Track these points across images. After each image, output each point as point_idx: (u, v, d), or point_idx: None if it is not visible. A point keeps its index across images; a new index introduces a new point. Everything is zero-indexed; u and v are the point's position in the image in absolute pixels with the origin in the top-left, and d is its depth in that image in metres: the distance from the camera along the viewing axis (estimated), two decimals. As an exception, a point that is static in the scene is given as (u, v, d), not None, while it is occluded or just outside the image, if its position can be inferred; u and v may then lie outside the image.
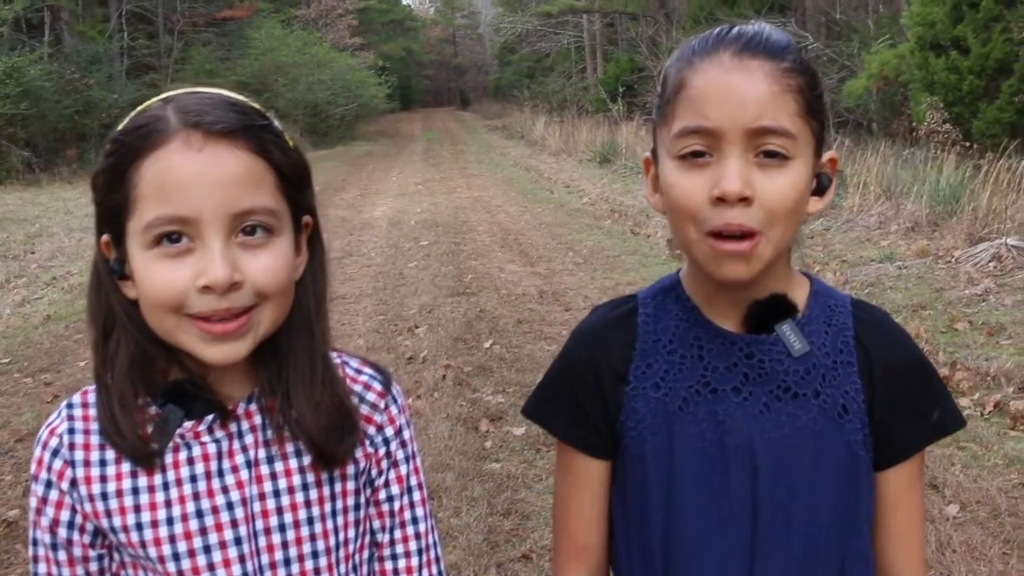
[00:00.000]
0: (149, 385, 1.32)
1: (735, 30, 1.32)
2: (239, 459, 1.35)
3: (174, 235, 1.21)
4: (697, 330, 1.43)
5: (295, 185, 1.32)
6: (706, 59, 1.30)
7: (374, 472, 1.45)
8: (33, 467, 1.36)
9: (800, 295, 1.43)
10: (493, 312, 8.39)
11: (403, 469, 1.48)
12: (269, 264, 1.25)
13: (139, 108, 1.29)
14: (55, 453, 1.33)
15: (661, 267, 9.97)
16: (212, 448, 1.34)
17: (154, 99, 1.29)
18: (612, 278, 9.53)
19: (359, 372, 1.47)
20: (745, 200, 1.25)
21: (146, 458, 1.31)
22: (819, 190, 1.37)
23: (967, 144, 12.63)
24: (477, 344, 7.40)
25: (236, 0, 39.49)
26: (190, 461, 1.33)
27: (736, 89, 1.26)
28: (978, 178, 10.95)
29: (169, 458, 1.32)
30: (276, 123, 1.32)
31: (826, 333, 1.41)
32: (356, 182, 21.58)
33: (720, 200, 1.25)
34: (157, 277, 1.22)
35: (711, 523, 1.38)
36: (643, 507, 1.42)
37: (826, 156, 1.37)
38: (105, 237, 1.30)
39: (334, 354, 1.44)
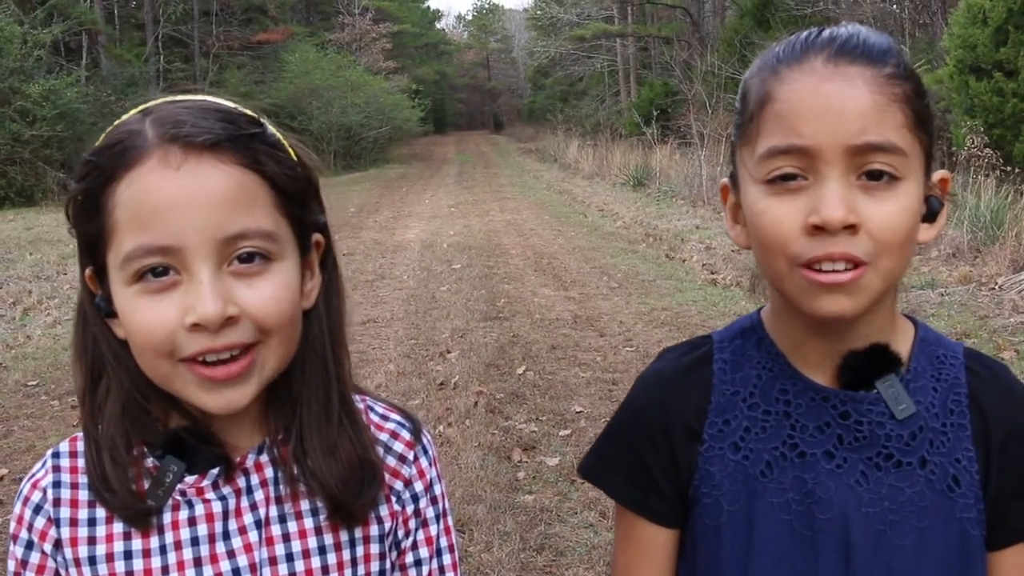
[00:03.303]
0: (145, 433, 1.15)
1: (826, 33, 1.14)
2: (247, 519, 1.18)
3: (158, 268, 1.05)
4: (783, 382, 1.23)
5: (297, 201, 1.14)
6: (795, 67, 1.12)
7: (400, 533, 1.27)
8: (12, 525, 1.19)
9: (904, 344, 1.23)
10: (526, 337, 8.25)
11: (433, 529, 1.30)
12: (269, 294, 1.08)
13: (116, 122, 1.12)
14: (37, 510, 1.17)
15: (697, 291, 9.85)
16: (217, 507, 1.17)
17: (132, 111, 1.12)
18: (647, 303, 9.37)
19: (385, 419, 1.30)
20: (850, 228, 1.06)
21: (140, 517, 1.14)
22: (930, 215, 1.17)
23: (1007, 168, 12.41)
24: (510, 370, 7.26)
25: (271, 24, 39.97)
26: (191, 522, 1.16)
27: (834, 100, 1.07)
28: (1020, 203, 10.75)
29: (168, 518, 1.15)
30: (272, 130, 1.14)
31: (935, 390, 1.21)
32: (389, 204, 21.58)
33: (819, 229, 1.07)
34: (140, 317, 1.06)
35: None
36: None
37: (936, 176, 1.18)
38: (89, 271, 1.14)
39: (357, 397, 1.27)
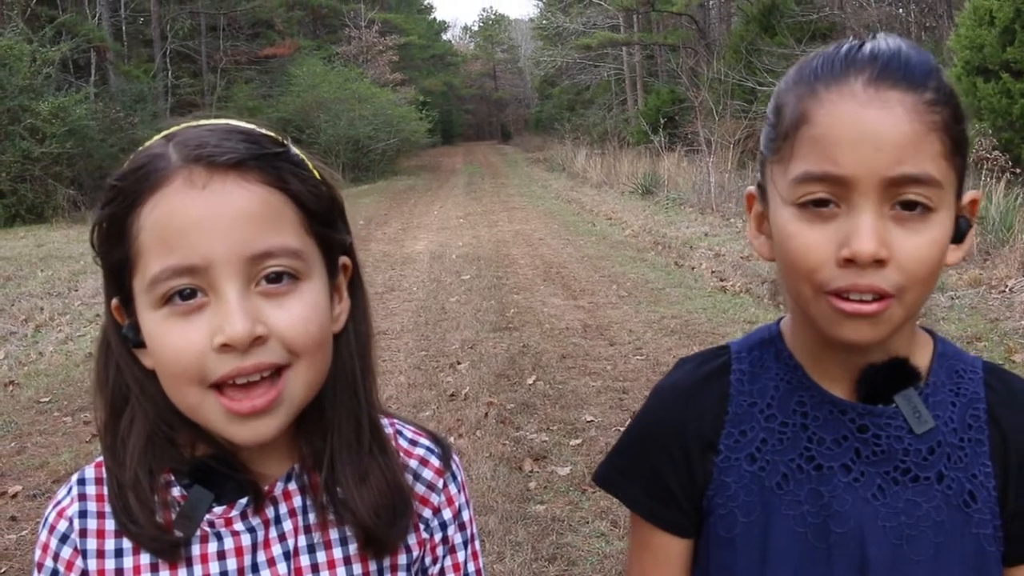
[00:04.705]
0: (171, 462, 1.13)
1: (868, 49, 1.10)
2: (276, 550, 1.16)
3: (185, 291, 1.04)
4: (800, 394, 1.22)
5: (323, 221, 1.12)
6: (833, 88, 1.09)
7: (428, 560, 1.26)
8: (37, 553, 1.17)
9: (923, 358, 1.22)
10: (536, 347, 8.24)
11: (460, 556, 1.29)
12: (298, 313, 1.06)
13: (140, 148, 1.11)
14: (64, 539, 1.14)
15: (707, 299, 9.84)
16: (246, 540, 1.15)
17: (156, 137, 1.11)
18: (657, 311, 9.37)
19: (414, 444, 1.28)
20: (879, 262, 1.05)
21: (169, 549, 1.12)
22: (957, 236, 1.15)
23: (1016, 171, 12.38)
24: (520, 380, 7.26)
25: (278, 38, 40.12)
26: (221, 556, 1.14)
27: (872, 129, 1.05)
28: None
29: (196, 550, 1.13)
30: (295, 150, 1.14)
31: (953, 405, 1.20)
32: (398, 216, 21.60)
33: (849, 262, 1.05)
34: (169, 341, 1.04)
35: None
36: None
37: (967, 197, 1.15)
38: (115, 301, 1.13)
39: (385, 421, 1.26)
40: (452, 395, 6.96)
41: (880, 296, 1.07)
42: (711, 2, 35.38)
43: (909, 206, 1.06)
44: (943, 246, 1.09)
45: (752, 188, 1.24)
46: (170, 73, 34.17)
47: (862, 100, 1.07)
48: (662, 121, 25.88)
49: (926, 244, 1.07)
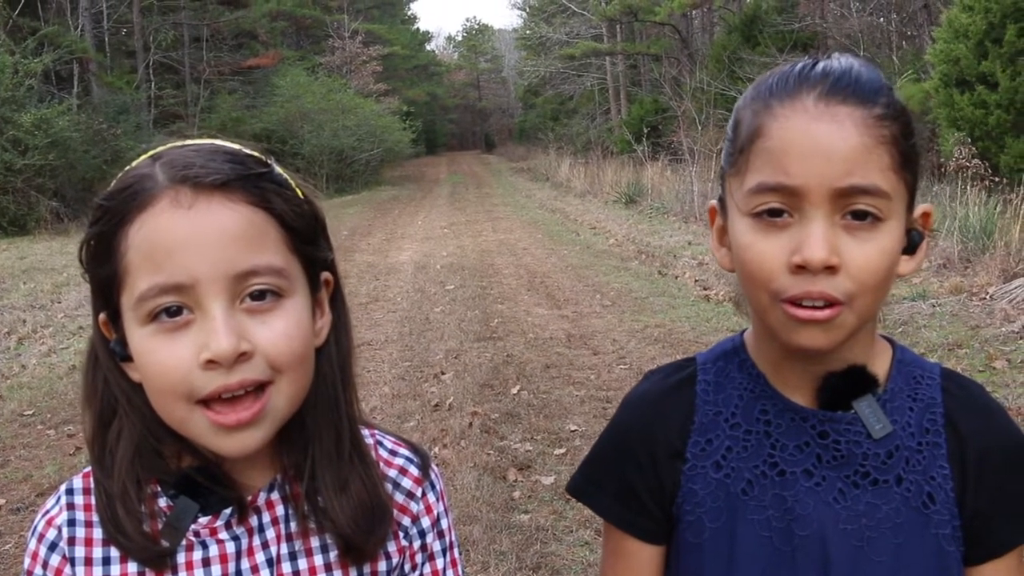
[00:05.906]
0: (158, 472, 1.16)
1: (820, 67, 1.15)
2: (259, 557, 1.19)
3: (172, 308, 1.07)
4: (763, 402, 1.27)
5: (306, 239, 1.16)
6: (787, 103, 1.14)
7: (407, 567, 1.29)
8: (27, 561, 1.20)
9: (881, 365, 1.26)
10: (520, 357, 8.27)
11: (439, 563, 1.32)
12: (281, 331, 1.09)
13: (126, 168, 1.14)
14: (52, 547, 1.17)
15: (690, 308, 9.87)
16: (231, 547, 1.18)
17: (142, 156, 1.14)
18: (641, 320, 9.41)
19: (394, 454, 1.32)
20: (830, 269, 1.09)
21: (156, 559, 1.15)
22: (910, 248, 1.19)
23: (995, 179, 12.48)
24: (504, 390, 7.28)
25: (261, 49, 40.06)
26: (206, 563, 1.17)
27: (822, 141, 1.10)
28: (1008, 213, 10.80)
29: (182, 558, 1.16)
30: (279, 170, 1.17)
31: (911, 410, 1.24)
32: (382, 227, 21.59)
33: (801, 268, 1.10)
34: (156, 357, 1.07)
35: None
36: None
37: (919, 210, 1.21)
38: (102, 316, 1.16)
39: (366, 432, 1.29)
40: (436, 405, 6.97)
41: (831, 303, 1.11)
42: (694, 12, 35.50)
43: (859, 216, 1.11)
44: (893, 255, 1.14)
45: (714, 202, 1.29)
46: (153, 84, 34.10)
47: (813, 114, 1.12)
48: (645, 131, 25.97)
49: (875, 253, 1.11)
